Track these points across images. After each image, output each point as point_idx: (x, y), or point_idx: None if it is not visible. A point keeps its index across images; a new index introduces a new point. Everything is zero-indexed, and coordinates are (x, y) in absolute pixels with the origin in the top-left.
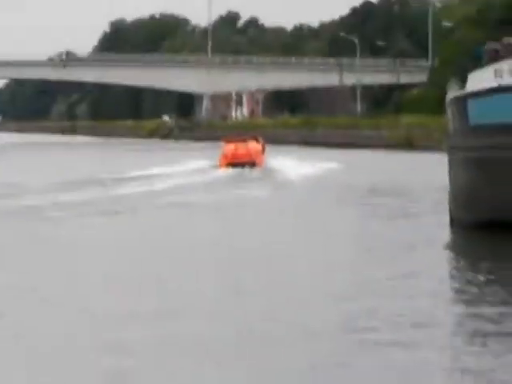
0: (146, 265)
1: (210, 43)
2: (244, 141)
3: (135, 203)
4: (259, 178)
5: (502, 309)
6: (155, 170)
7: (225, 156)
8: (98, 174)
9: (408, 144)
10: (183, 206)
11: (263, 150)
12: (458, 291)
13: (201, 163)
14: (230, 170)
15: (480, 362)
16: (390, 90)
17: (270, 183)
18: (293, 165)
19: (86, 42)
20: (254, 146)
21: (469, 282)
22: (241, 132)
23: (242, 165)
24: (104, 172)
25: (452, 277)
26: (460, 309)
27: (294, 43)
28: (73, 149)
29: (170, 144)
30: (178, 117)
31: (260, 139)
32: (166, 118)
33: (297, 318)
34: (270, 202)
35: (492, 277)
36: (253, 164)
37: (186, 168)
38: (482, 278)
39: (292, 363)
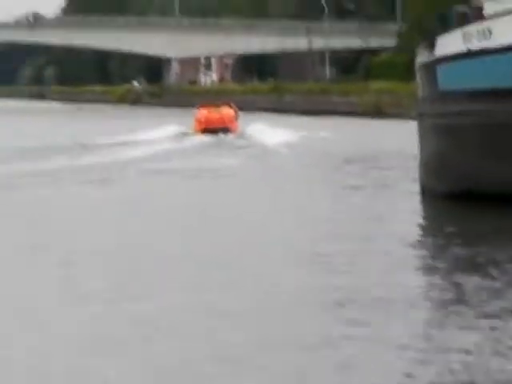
0: (121, 234)
1: (177, 4)
2: (218, 107)
3: (110, 171)
4: (234, 145)
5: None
6: (128, 137)
7: (199, 121)
8: (70, 141)
9: (377, 111)
10: (158, 173)
11: (236, 116)
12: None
13: (173, 129)
14: (204, 137)
15: None
16: (358, 54)
17: (244, 151)
18: (265, 131)
19: (52, 3)
20: (227, 112)
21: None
22: (211, 98)
23: (215, 131)
24: (77, 139)
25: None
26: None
27: (261, 3)
28: (42, 115)
29: (140, 110)
30: (147, 82)
31: (233, 106)
32: (135, 83)
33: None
34: (244, 170)
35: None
36: (227, 130)
37: (159, 134)
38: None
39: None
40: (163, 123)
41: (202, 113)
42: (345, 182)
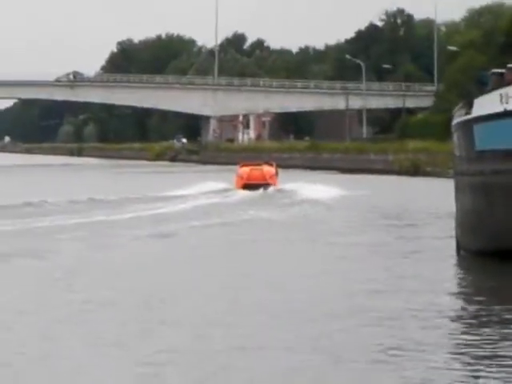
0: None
1: (216, 65)
2: (259, 165)
3: (164, 224)
4: (275, 200)
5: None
6: (174, 192)
7: (241, 177)
8: (115, 195)
9: (414, 169)
10: (207, 226)
11: (276, 174)
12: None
13: (216, 185)
14: (247, 192)
15: None
16: (395, 113)
17: (285, 205)
18: (304, 188)
19: (93, 63)
20: (268, 169)
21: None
22: (248, 155)
23: (256, 186)
24: (120, 193)
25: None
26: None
27: (299, 65)
28: (82, 170)
29: (179, 167)
30: (186, 139)
31: (273, 164)
32: (176, 141)
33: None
34: (286, 224)
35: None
36: (267, 185)
37: (202, 189)
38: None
39: None
40: (205, 179)
41: (244, 169)
42: (381, 239)
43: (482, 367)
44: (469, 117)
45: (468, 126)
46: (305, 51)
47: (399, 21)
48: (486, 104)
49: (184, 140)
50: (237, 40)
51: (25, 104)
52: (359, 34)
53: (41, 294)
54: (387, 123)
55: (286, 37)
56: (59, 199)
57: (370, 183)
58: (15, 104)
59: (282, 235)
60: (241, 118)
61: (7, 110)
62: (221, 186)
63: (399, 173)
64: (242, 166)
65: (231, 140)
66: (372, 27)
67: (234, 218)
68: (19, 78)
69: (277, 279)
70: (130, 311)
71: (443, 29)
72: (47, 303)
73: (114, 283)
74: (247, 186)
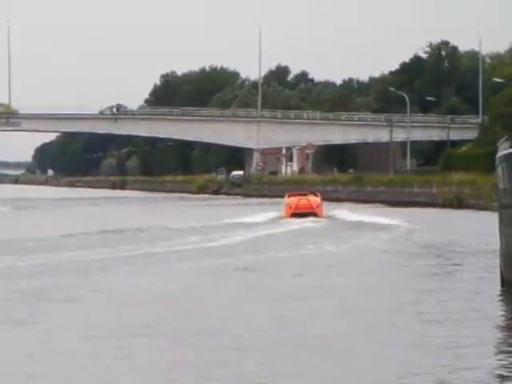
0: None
1: (259, 97)
2: (305, 195)
3: (230, 254)
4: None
5: None
6: (230, 220)
7: (289, 207)
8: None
9: (458, 202)
10: (268, 257)
11: (321, 204)
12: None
13: (267, 215)
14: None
15: None
16: (439, 146)
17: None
18: (350, 217)
19: (137, 95)
20: (314, 198)
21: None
22: (291, 188)
23: (304, 215)
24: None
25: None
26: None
27: (343, 98)
28: (127, 203)
29: (223, 200)
30: (228, 172)
31: (318, 194)
32: (219, 174)
33: None
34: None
35: None
36: (314, 214)
37: (257, 219)
38: None
39: None
40: (254, 211)
41: (292, 199)
42: (427, 270)
43: None
44: None
45: None
46: (348, 83)
47: (443, 53)
48: None
49: (222, 172)
50: (280, 72)
51: (68, 137)
52: (403, 66)
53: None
54: (431, 155)
55: (329, 69)
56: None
57: (414, 215)
58: (58, 137)
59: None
60: (284, 150)
61: (51, 143)
62: (273, 215)
63: (443, 205)
64: (290, 195)
65: (274, 173)
66: (416, 59)
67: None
68: (62, 112)
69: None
70: None
71: (488, 60)
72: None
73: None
74: (295, 215)
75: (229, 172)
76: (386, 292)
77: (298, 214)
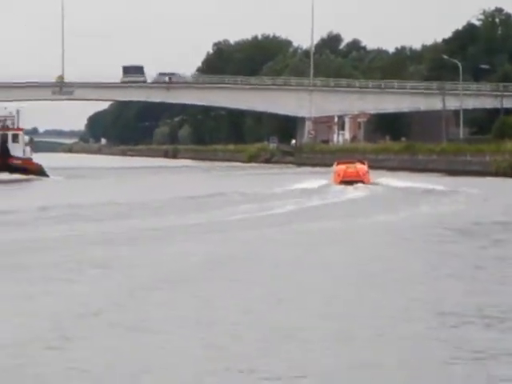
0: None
1: (312, 65)
2: (353, 162)
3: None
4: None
5: None
6: (284, 188)
7: (337, 175)
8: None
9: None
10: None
11: (368, 171)
12: None
13: (318, 182)
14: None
15: None
16: (492, 114)
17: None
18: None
19: (189, 64)
20: (361, 167)
21: None
22: (343, 156)
23: (351, 182)
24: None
25: None
26: None
27: (396, 66)
28: (184, 172)
29: (275, 168)
30: (280, 140)
31: (365, 162)
32: (271, 143)
33: None
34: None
35: None
36: (361, 182)
37: (309, 185)
38: None
39: None
40: (306, 178)
41: (340, 167)
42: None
43: None
44: None
45: None
46: (401, 51)
47: (497, 20)
48: None
49: (274, 140)
50: (332, 40)
51: (121, 106)
52: (456, 33)
53: None
54: (484, 123)
55: (382, 37)
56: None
57: (468, 183)
58: (111, 106)
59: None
60: (336, 119)
61: (103, 112)
62: (323, 182)
63: (496, 174)
64: (338, 163)
65: (326, 141)
66: (469, 27)
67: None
68: (115, 81)
69: None
70: None
71: None
72: None
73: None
74: (343, 182)
75: (283, 141)
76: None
77: (345, 182)
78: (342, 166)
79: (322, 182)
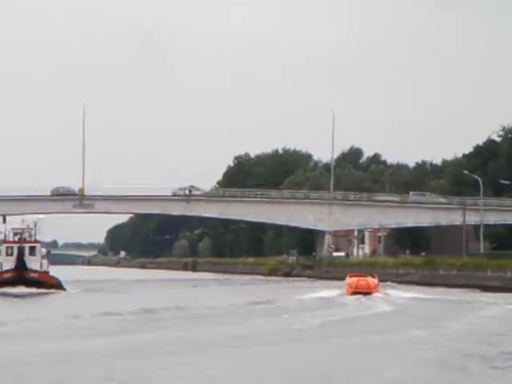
0: None
1: (332, 179)
2: (364, 276)
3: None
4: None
5: None
6: (308, 296)
7: (350, 286)
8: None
9: None
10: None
11: (378, 284)
12: None
13: (334, 292)
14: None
15: None
16: None
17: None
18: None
19: (210, 177)
20: (372, 280)
21: None
22: (362, 270)
23: (363, 293)
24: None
25: None
26: None
27: (416, 180)
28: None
29: (296, 281)
30: (300, 253)
31: (376, 276)
32: (291, 256)
33: None
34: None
35: None
36: (371, 293)
37: (327, 295)
38: None
39: None
40: (324, 288)
41: (353, 280)
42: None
43: None
44: None
45: None
46: (422, 166)
47: None
48: None
49: (294, 254)
50: (353, 154)
51: (140, 218)
52: (477, 149)
53: None
54: (505, 238)
55: (402, 151)
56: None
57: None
58: (130, 218)
59: None
60: (356, 232)
61: (123, 224)
62: (338, 292)
63: None
64: (351, 276)
65: (346, 255)
66: (490, 142)
67: None
68: (137, 193)
69: None
70: None
71: None
72: None
73: None
74: (355, 293)
75: (303, 254)
76: None
77: (357, 293)
78: (355, 279)
79: (336, 292)
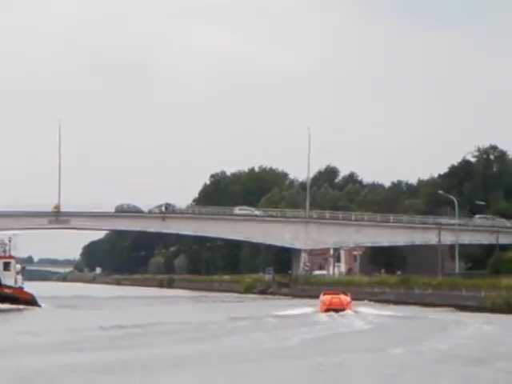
0: None
1: (308, 198)
2: (337, 294)
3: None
4: None
5: None
6: (282, 312)
7: (323, 303)
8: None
9: (507, 307)
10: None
11: (351, 302)
12: None
13: (307, 309)
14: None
15: None
16: (488, 249)
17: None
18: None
19: (186, 195)
20: (345, 297)
21: None
22: (337, 289)
23: (335, 310)
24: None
25: None
26: None
27: (392, 200)
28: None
29: (271, 299)
30: (276, 271)
31: (348, 294)
32: (267, 274)
33: None
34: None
35: None
36: (343, 310)
37: (299, 312)
38: None
39: None
40: (297, 306)
41: (326, 297)
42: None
43: None
44: None
45: None
46: (397, 186)
47: (492, 157)
48: None
49: (270, 272)
50: (329, 173)
51: (117, 235)
52: (452, 169)
53: None
54: (480, 258)
55: (378, 171)
56: None
57: (463, 321)
58: (106, 235)
59: None
60: (332, 251)
61: (98, 241)
62: (311, 310)
63: (492, 310)
64: (325, 294)
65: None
66: (465, 163)
67: None
68: (112, 210)
69: None
70: None
71: None
72: None
73: None
74: (328, 310)
75: (279, 272)
76: None
77: (330, 310)
78: (328, 297)
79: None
